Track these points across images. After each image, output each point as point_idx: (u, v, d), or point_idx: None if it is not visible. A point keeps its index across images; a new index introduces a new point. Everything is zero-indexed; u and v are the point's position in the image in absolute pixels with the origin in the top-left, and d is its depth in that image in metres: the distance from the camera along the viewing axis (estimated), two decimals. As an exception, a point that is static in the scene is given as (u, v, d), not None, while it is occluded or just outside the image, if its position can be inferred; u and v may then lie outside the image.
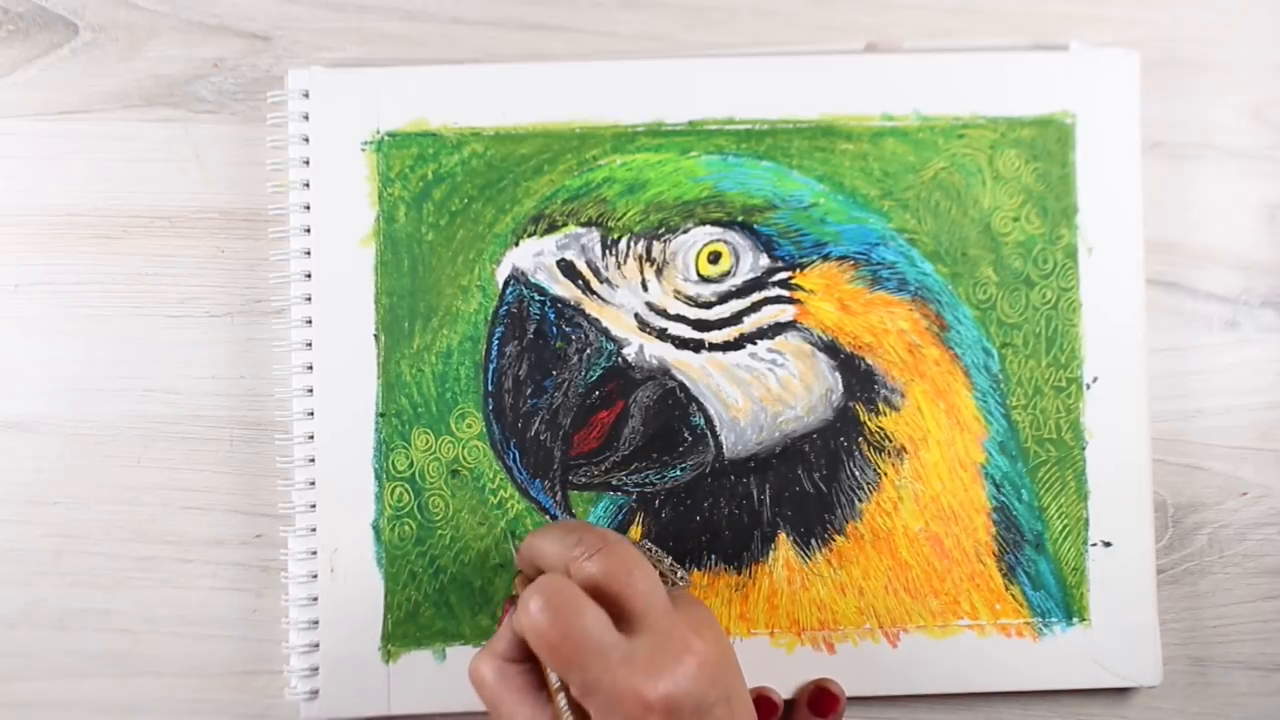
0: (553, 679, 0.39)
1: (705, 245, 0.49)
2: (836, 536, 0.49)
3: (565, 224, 0.49)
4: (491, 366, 0.49)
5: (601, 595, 0.39)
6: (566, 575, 0.40)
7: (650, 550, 0.44)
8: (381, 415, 0.49)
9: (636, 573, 0.39)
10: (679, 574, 0.43)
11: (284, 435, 0.49)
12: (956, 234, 0.50)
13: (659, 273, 0.49)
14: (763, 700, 0.48)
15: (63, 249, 0.50)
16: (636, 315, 0.49)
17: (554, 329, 0.49)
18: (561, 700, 0.39)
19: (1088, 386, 0.50)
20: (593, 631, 0.37)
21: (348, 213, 0.49)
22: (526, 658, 0.40)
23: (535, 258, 0.49)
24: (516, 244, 0.49)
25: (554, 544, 0.41)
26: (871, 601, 0.49)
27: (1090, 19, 0.52)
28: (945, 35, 0.52)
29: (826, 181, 0.50)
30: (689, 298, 0.49)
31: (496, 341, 0.49)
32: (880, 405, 0.49)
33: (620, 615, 0.39)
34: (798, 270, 0.50)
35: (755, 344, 0.49)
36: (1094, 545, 0.50)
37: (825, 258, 0.50)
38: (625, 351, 0.49)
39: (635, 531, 0.49)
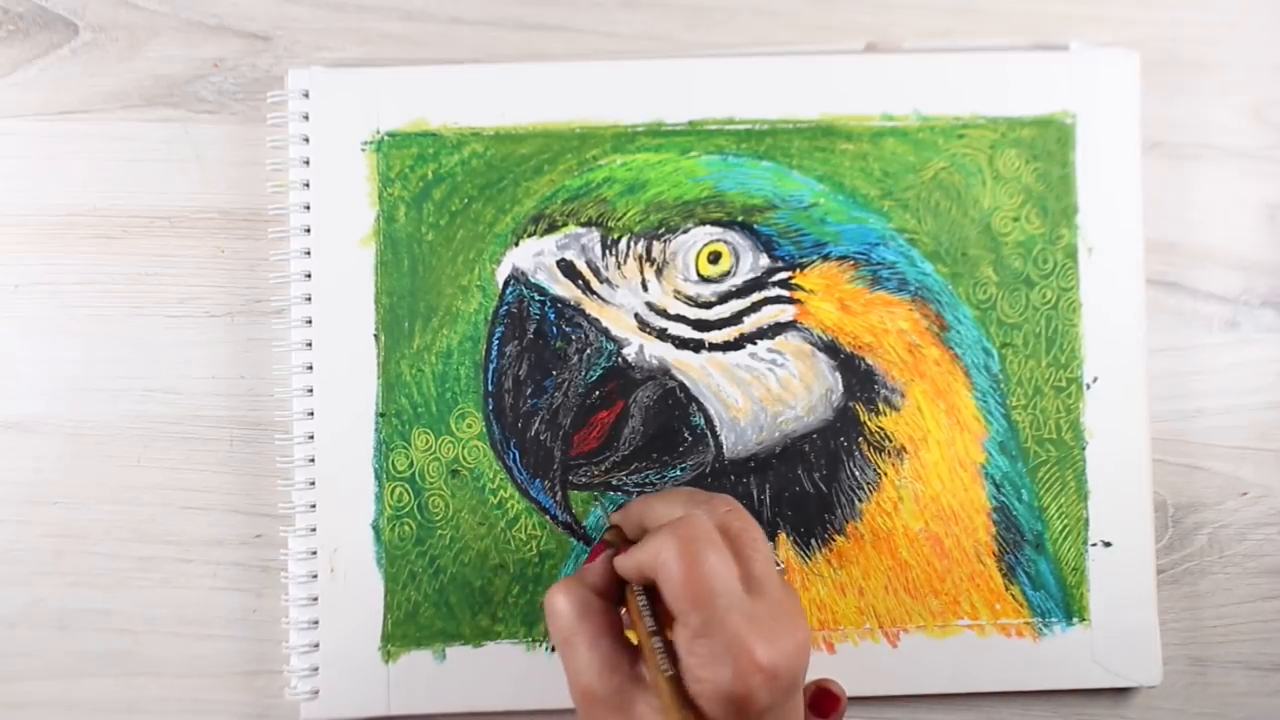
0: (647, 622, 0.39)
1: (705, 245, 0.49)
2: (836, 536, 0.49)
3: (565, 224, 0.49)
4: (491, 366, 0.49)
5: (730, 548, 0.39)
6: None
7: None
8: (381, 415, 0.49)
9: (760, 540, 0.40)
10: (776, 561, 0.43)
11: (284, 435, 0.49)
12: (956, 234, 0.50)
13: (659, 273, 0.49)
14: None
15: (63, 249, 0.50)
16: (636, 315, 0.49)
17: (554, 329, 0.49)
18: (656, 641, 0.38)
19: (1088, 386, 0.50)
20: (726, 577, 0.38)
21: (348, 213, 0.49)
22: (610, 597, 0.40)
23: (535, 258, 0.49)
24: (516, 244, 0.49)
25: (677, 504, 0.41)
26: (871, 601, 0.49)
27: (1090, 19, 0.52)
28: (945, 35, 0.52)
29: (826, 181, 0.50)
30: (689, 298, 0.49)
31: (496, 341, 0.49)
32: (880, 405, 0.49)
33: (743, 574, 0.39)
34: (798, 270, 0.50)
35: (755, 344, 0.49)
36: (1094, 545, 0.50)
37: (825, 258, 0.50)
38: (625, 351, 0.49)
39: (635, 531, 0.49)
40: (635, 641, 0.40)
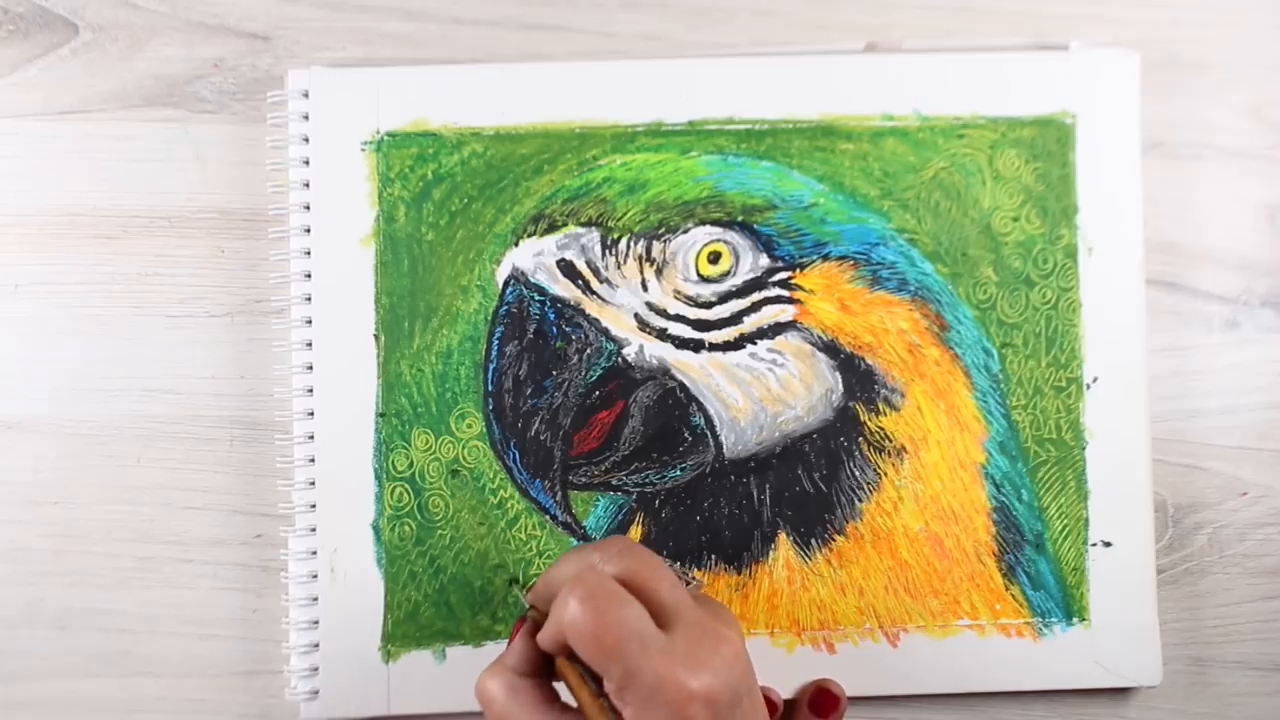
0: (587, 687, 0.39)
1: (705, 245, 0.49)
2: (836, 536, 0.49)
3: (565, 224, 0.49)
4: (491, 366, 0.49)
5: (632, 591, 0.39)
6: None
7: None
8: (381, 415, 0.49)
9: (660, 570, 0.40)
10: (688, 578, 0.43)
11: (284, 435, 0.49)
12: (956, 234, 0.50)
13: (659, 273, 0.49)
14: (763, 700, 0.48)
15: (63, 249, 0.50)
16: (636, 315, 0.49)
17: (554, 329, 0.49)
18: (602, 702, 0.38)
19: (1088, 386, 0.50)
20: (635, 622, 0.37)
21: (348, 213, 0.49)
22: (537, 673, 0.40)
23: (535, 258, 0.49)
24: (516, 244, 0.49)
25: (571, 564, 0.41)
26: (871, 601, 0.49)
27: (1090, 19, 0.52)
28: (945, 35, 0.52)
29: (826, 181, 0.50)
30: (689, 298, 0.49)
31: (496, 341, 0.49)
32: (880, 405, 0.49)
33: (652, 611, 0.39)
34: (798, 270, 0.50)
35: (755, 344, 0.49)
36: (1094, 545, 0.50)
37: (825, 258, 0.50)
38: (625, 351, 0.49)
39: (635, 531, 0.49)
40: (576, 707, 0.39)
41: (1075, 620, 0.49)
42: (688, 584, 0.43)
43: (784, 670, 0.49)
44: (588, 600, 0.38)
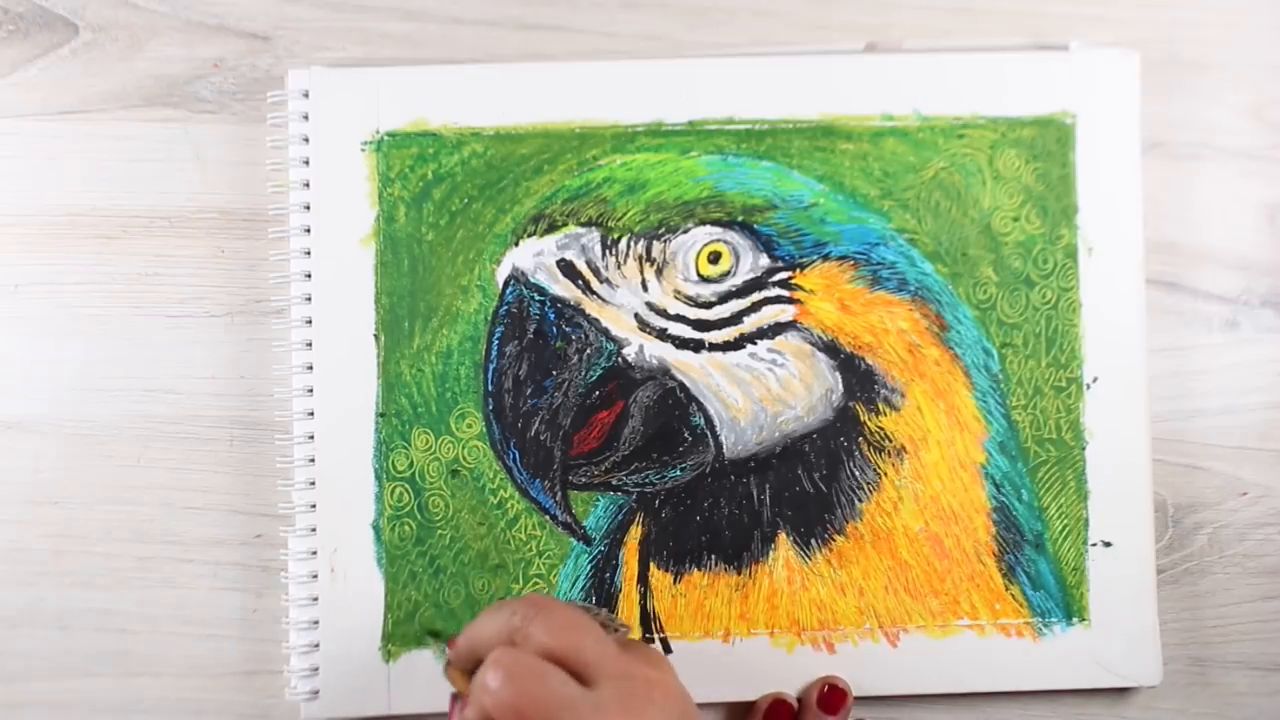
0: None
1: (705, 245, 0.49)
2: (836, 536, 0.49)
3: (565, 224, 0.49)
4: (491, 366, 0.49)
5: (553, 658, 0.39)
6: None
7: (587, 608, 0.43)
8: (381, 415, 0.49)
9: (579, 628, 0.40)
10: (615, 624, 0.43)
11: (284, 435, 0.49)
12: (956, 234, 0.50)
13: (659, 273, 0.49)
14: (779, 705, 0.48)
15: (63, 249, 0.50)
16: (636, 315, 0.49)
17: (554, 329, 0.49)
18: None
19: (1088, 386, 0.50)
20: (559, 690, 0.38)
21: (348, 213, 0.49)
22: None
23: (535, 258, 0.49)
24: (516, 244, 0.49)
25: (489, 625, 0.41)
26: (871, 601, 0.49)
27: (1090, 19, 0.52)
28: (945, 35, 0.52)
29: (826, 181, 0.50)
30: (689, 298, 0.49)
31: (496, 341, 0.49)
32: (880, 405, 0.49)
33: (576, 671, 0.39)
34: (798, 270, 0.50)
35: (755, 344, 0.49)
36: (1094, 545, 0.50)
37: (825, 258, 0.50)
38: (625, 351, 0.49)
39: (635, 531, 0.49)
40: None
41: (1075, 620, 0.49)
42: (616, 629, 0.43)
43: (785, 670, 0.49)
44: (509, 680, 0.37)
